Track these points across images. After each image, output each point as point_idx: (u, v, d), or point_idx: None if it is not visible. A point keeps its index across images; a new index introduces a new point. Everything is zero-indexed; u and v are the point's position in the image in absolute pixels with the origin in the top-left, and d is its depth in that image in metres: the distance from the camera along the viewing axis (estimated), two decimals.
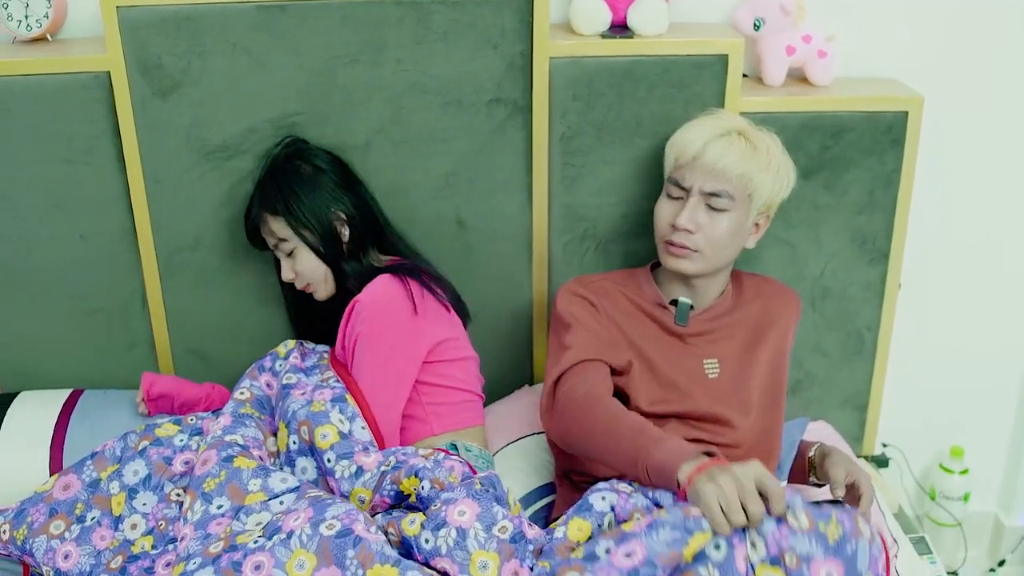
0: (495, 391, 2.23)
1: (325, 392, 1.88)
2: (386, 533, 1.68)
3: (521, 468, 2.04)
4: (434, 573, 1.58)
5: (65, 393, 2.12)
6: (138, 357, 2.22)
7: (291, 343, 2.08)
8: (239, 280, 2.15)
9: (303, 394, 1.89)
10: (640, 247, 2.18)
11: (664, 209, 1.87)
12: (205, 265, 2.15)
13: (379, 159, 2.08)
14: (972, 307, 2.46)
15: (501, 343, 2.25)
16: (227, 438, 1.82)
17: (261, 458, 1.83)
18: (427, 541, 1.62)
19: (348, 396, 1.87)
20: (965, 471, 2.55)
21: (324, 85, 2.02)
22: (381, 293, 1.90)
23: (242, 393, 1.95)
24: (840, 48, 2.14)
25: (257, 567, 1.56)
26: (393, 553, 1.58)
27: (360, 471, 1.77)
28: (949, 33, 2.21)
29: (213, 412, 1.98)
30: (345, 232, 1.98)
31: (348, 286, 1.99)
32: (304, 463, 1.84)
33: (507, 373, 2.28)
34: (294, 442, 1.84)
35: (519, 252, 2.18)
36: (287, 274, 2.00)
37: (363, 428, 1.84)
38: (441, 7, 1.97)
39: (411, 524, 1.66)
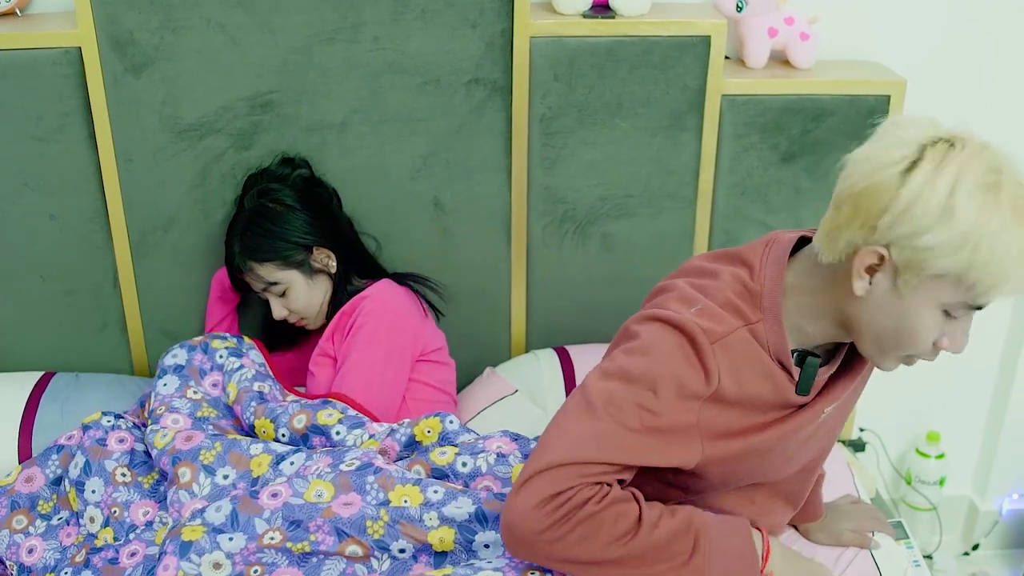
0: (471, 374, 2.22)
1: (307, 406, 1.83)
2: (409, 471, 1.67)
3: None
4: (455, 487, 1.59)
5: (35, 376, 2.08)
6: (110, 339, 2.18)
7: (232, 341, 2.00)
8: (212, 260, 2.11)
9: (281, 404, 1.84)
10: (619, 230, 2.16)
11: (932, 324, 1.41)
12: (178, 245, 2.11)
13: (355, 139, 2.05)
14: None
15: (477, 325, 2.23)
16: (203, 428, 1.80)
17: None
18: (464, 464, 1.66)
19: (331, 400, 1.84)
20: (941, 456, 2.56)
21: (300, 63, 1.99)
22: (388, 295, 1.95)
23: (195, 392, 1.88)
24: (822, 31, 2.13)
25: (274, 495, 1.57)
26: (414, 476, 1.60)
27: (373, 437, 1.76)
28: (932, 17, 2.20)
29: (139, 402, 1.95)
30: (332, 264, 1.98)
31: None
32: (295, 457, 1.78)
33: (483, 356, 2.26)
34: (283, 435, 1.79)
35: (497, 234, 2.16)
36: (279, 312, 1.98)
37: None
38: None
39: (442, 455, 1.68)
